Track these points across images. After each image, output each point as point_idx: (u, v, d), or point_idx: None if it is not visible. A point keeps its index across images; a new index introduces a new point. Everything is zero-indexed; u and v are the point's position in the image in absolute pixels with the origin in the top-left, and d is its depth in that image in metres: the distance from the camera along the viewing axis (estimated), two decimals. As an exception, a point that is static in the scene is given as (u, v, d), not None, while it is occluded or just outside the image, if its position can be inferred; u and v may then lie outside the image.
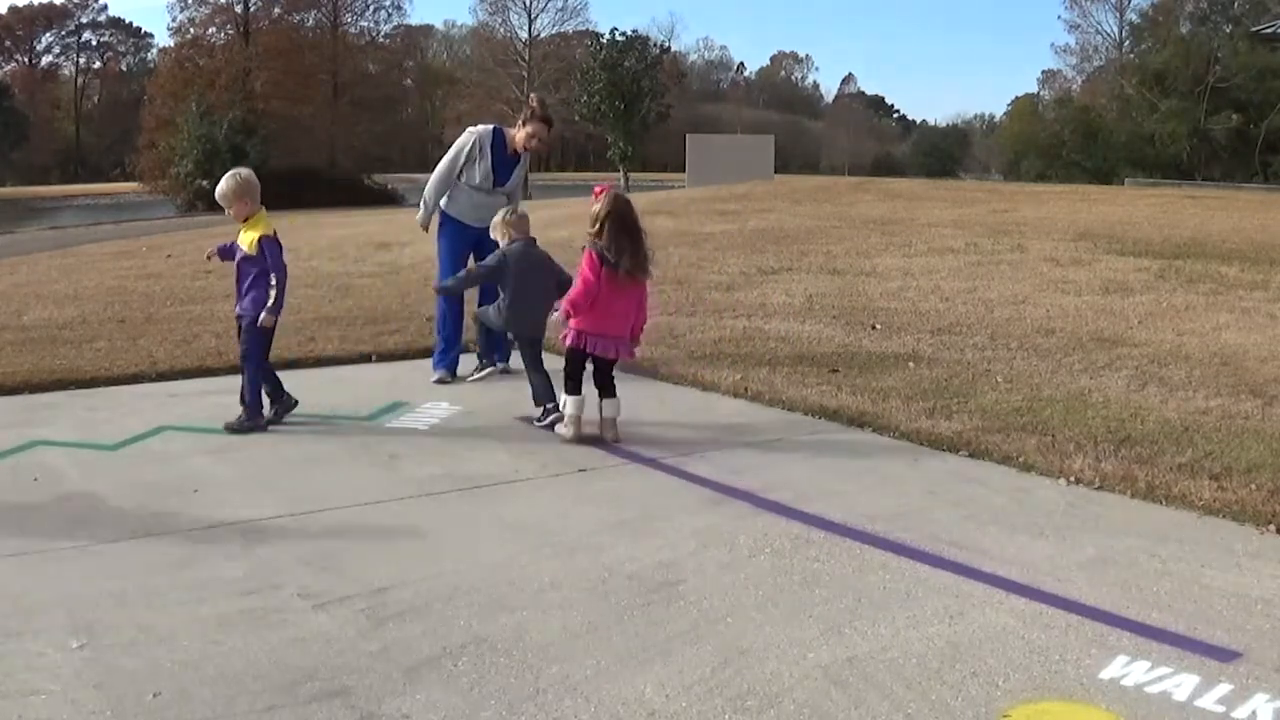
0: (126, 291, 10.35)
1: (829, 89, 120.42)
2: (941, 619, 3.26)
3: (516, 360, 6.94)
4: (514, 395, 6.19)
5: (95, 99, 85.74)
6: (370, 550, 3.83)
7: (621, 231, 5.18)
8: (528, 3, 63.99)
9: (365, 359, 7.24)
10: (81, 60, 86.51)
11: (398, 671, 2.94)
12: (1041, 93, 70.81)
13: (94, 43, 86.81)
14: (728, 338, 7.66)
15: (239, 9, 53.53)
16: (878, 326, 8.02)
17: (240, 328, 5.60)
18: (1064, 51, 65.78)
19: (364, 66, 60.44)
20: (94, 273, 12.54)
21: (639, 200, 23.14)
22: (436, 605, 3.36)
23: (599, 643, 3.11)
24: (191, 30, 53.91)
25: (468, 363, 6.81)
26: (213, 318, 8.55)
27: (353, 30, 59.36)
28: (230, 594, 3.44)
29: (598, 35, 57.31)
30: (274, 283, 5.40)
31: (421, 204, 6.71)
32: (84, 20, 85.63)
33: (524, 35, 64.45)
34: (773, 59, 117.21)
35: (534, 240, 5.80)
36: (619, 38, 54.73)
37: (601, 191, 5.35)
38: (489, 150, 6.66)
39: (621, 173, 54.44)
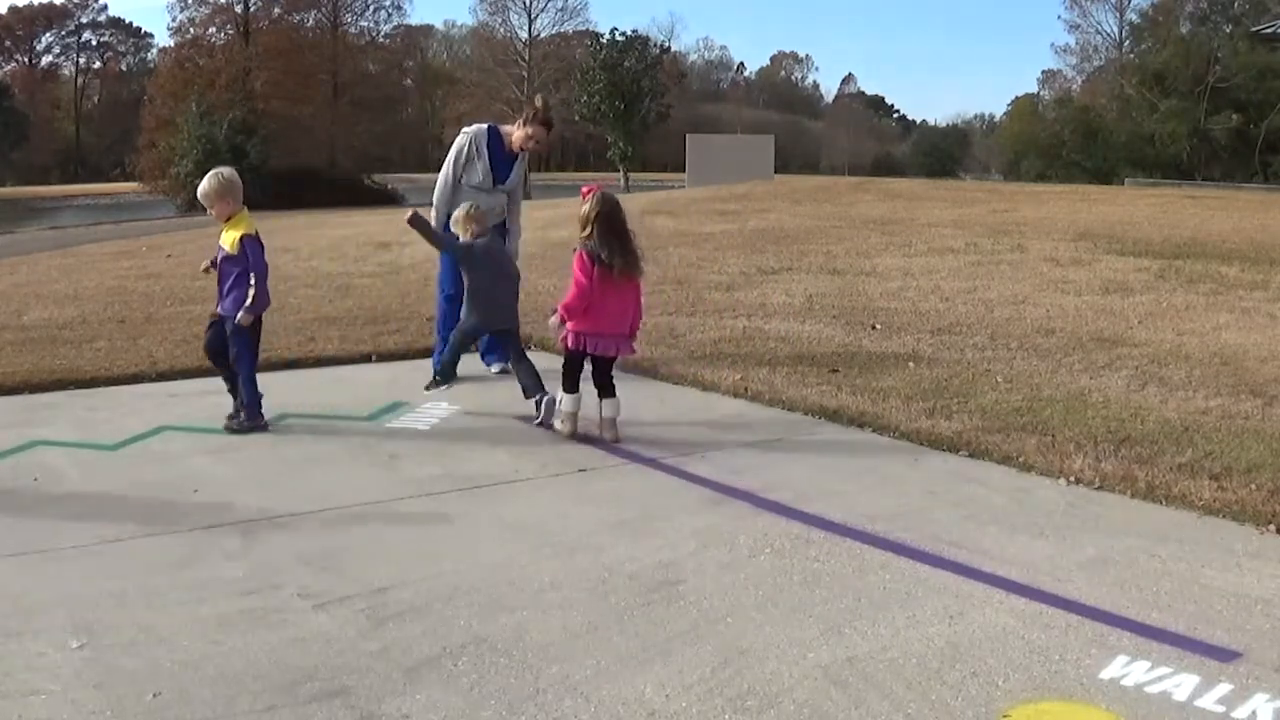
0: (126, 291, 10.34)
1: (829, 89, 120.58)
2: (941, 619, 3.26)
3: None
4: (514, 395, 6.18)
5: (95, 99, 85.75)
6: (370, 550, 3.83)
7: (610, 231, 5.19)
8: (528, 3, 64.01)
9: (365, 359, 7.24)
10: (81, 60, 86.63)
11: (398, 671, 2.94)
12: (1041, 93, 70.90)
13: (94, 43, 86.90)
14: (728, 338, 7.66)
15: (239, 9, 53.57)
16: (878, 326, 8.02)
17: (210, 325, 5.59)
18: (1064, 51, 65.85)
19: (364, 66, 60.48)
20: (94, 273, 12.54)
21: (639, 200, 23.08)
22: (436, 605, 3.36)
23: (599, 643, 3.11)
24: (191, 30, 53.99)
25: (468, 363, 6.80)
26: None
27: (353, 30, 59.46)
28: (230, 594, 3.44)
29: (598, 35, 57.42)
30: (253, 281, 5.36)
31: (433, 213, 6.66)
32: (84, 20, 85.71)
33: (524, 35, 64.48)
34: (773, 59, 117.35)
35: (494, 232, 6.02)
36: (619, 38, 54.80)
37: (589, 191, 5.34)
38: (485, 149, 6.66)
39: (621, 173, 54.49)
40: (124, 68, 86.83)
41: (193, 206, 42.88)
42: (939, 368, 6.61)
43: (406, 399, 6.06)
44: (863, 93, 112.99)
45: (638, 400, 5.89)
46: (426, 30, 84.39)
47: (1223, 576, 3.59)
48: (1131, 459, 4.73)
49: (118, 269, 12.90)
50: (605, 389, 5.32)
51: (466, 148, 6.67)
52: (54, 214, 47.70)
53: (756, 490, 4.48)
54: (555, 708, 2.76)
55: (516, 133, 6.68)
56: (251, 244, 5.41)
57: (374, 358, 7.27)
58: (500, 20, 66.26)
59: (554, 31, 66.49)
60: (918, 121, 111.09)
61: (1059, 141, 49.13)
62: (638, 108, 54.20)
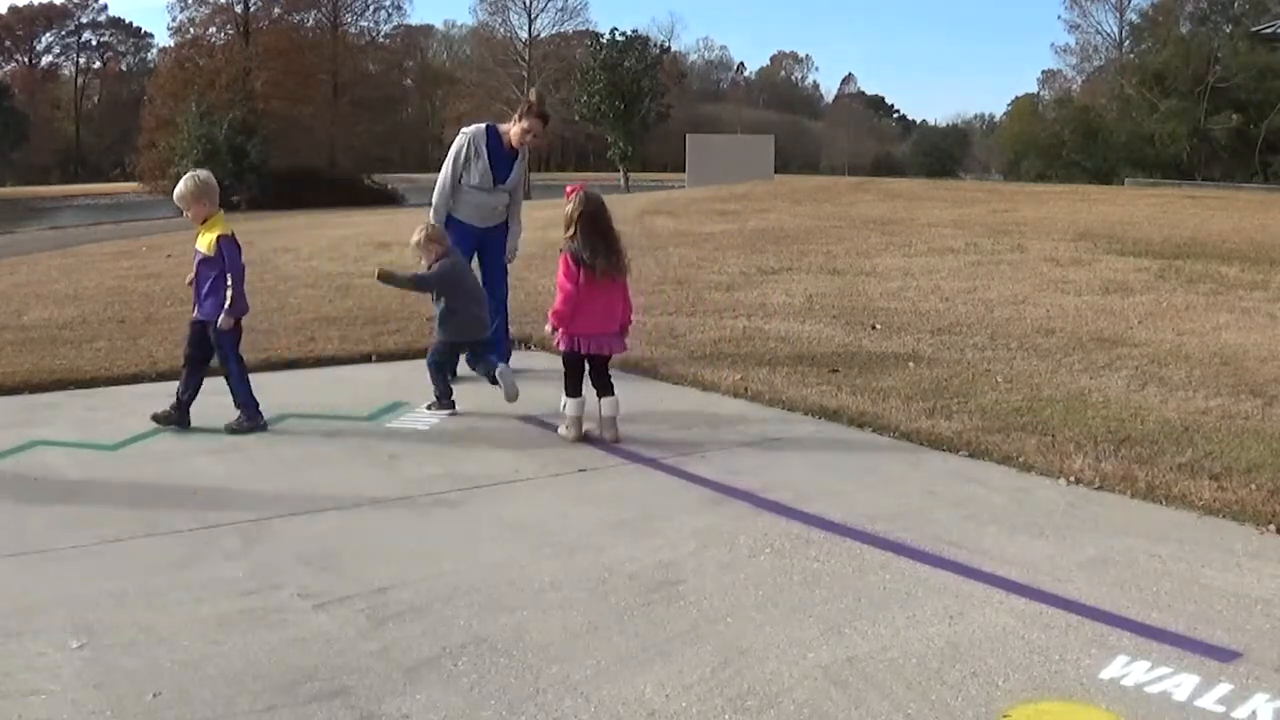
0: (126, 291, 10.34)
1: (829, 89, 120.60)
2: (941, 619, 3.26)
3: (515, 361, 6.95)
4: (514, 395, 6.19)
5: (95, 99, 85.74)
6: (370, 550, 3.83)
7: (594, 231, 5.18)
8: (528, 3, 63.98)
9: (365, 359, 7.24)
10: (81, 60, 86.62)
11: (398, 671, 2.94)
12: (1041, 93, 70.88)
13: (94, 43, 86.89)
14: (728, 338, 7.66)
15: (239, 9, 53.57)
16: (878, 326, 8.02)
17: (191, 332, 5.53)
18: (1064, 51, 65.83)
19: (364, 66, 60.47)
20: (94, 273, 12.54)
21: (639, 200, 23.08)
22: (436, 605, 3.36)
23: (599, 643, 3.11)
24: (191, 30, 53.99)
25: (467, 365, 6.80)
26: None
27: (353, 30, 59.46)
28: (230, 594, 3.44)
29: (598, 35, 57.46)
30: (229, 283, 5.32)
31: (432, 214, 6.66)
32: (84, 20, 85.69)
33: (524, 35, 64.45)
34: (773, 59, 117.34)
35: (456, 249, 6.13)
36: (619, 38, 54.85)
37: (573, 191, 5.33)
38: (484, 149, 6.65)
39: (621, 173, 54.51)
40: (124, 68, 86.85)
41: (192, 206, 43.04)
42: (939, 368, 6.61)
43: (406, 399, 6.06)
44: (863, 93, 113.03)
45: (638, 400, 5.89)
46: (426, 30, 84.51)
47: (1223, 576, 3.59)
48: (1131, 459, 4.73)
49: (118, 269, 12.90)
50: (603, 388, 5.32)
51: (465, 148, 6.66)
52: (54, 214, 47.70)
53: (756, 490, 4.48)
54: (555, 708, 2.76)
55: (513, 128, 6.68)
56: (228, 245, 5.36)
57: (374, 358, 7.27)
58: (500, 20, 66.27)
59: (554, 31, 66.50)
60: (918, 121, 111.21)
61: (1059, 141, 49.15)
62: (638, 108, 54.23)
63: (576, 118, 57.33)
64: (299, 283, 10.71)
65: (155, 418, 5.37)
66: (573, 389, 5.29)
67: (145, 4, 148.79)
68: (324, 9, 57.02)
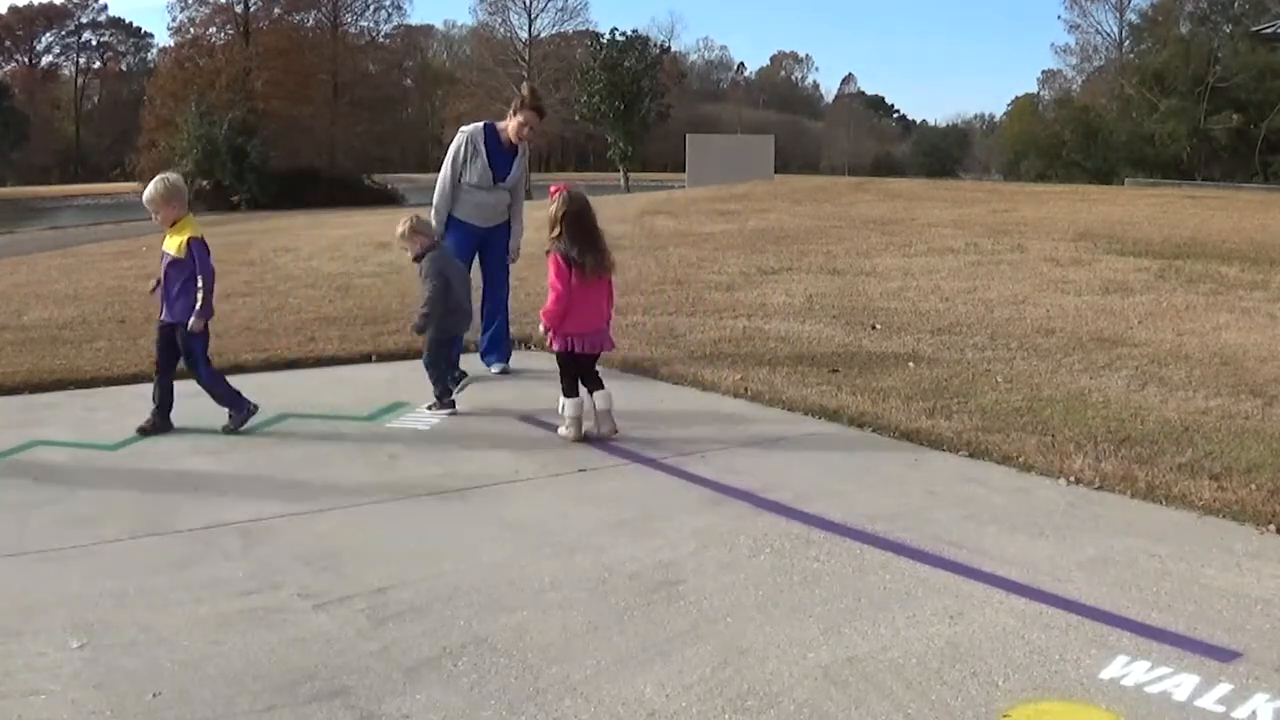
0: (126, 291, 10.34)
1: (829, 89, 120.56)
2: (941, 619, 3.26)
3: (515, 361, 6.96)
4: (514, 395, 6.19)
5: (95, 99, 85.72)
6: (370, 550, 3.83)
7: (579, 230, 5.21)
8: (528, 3, 63.99)
9: (365, 359, 7.24)
10: (81, 60, 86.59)
11: (398, 671, 2.94)
12: (1041, 93, 70.87)
13: (94, 43, 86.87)
14: (728, 338, 7.66)
15: (239, 9, 53.52)
16: (878, 326, 8.02)
17: (160, 335, 5.49)
18: (1064, 51, 65.75)
19: (364, 66, 60.40)
20: (94, 273, 12.54)
21: (639, 200, 23.07)
22: (436, 605, 3.36)
23: (599, 643, 3.11)
24: (191, 30, 53.91)
25: (468, 363, 6.80)
26: (212, 318, 8.53)
27: (353, 30, 59.36)
28: (230, 594, 3.44)
29: (598, 35, 57.45)
30: (201, 285, 5.30)
31: (433, 214, 6.66)
32: (84, 20, 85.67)
33: (524, 35, 64.47)
34: (773, 59, 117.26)
35: (443, 241, 6.22)
36: (619, 38, 54.84)
37: (556, 191, 5.36)
38: (482, 147, 6.65)
39: (621, 172, 54.51)
40: (124, 68, 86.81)
41: (192, 207, 43.03)
42: (939, 368, 6.61)
43: (406, 399, 6.06)
44: (863, 93, 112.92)
45: (638, 400, 5.90)
46: (426, 30, 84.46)
47: (1223, 576, 3.59)
48: (1131, 459, 4.73)
49: (118, 269, 12.90)
50: (594, 383, 5.34)
51: (464, 146, 6.66)
52: (54, 214, 47.69)
53: (756, 490, 4.48)
54: (555, 708, 2.76)
55: (510, 124, 6.68)
56: (199, 247, 5.33)
57: (374, 358, 7.27)
58: (500, 20, 66.29)
59: (554, 31, 66.51)
60: (918, 121, 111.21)
61: (1059, 141, 49.15)
62: (638, 108, 54.22)
63: (576, 118, 57.31)
64: (299, 283, 10.71)
65: (141, 430, 5.33)
66: (570, 389, 5.29)
67: (145, 4, 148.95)
68: (324, 9, 56.96)
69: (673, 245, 13.59)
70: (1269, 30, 30.29)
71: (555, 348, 5.32)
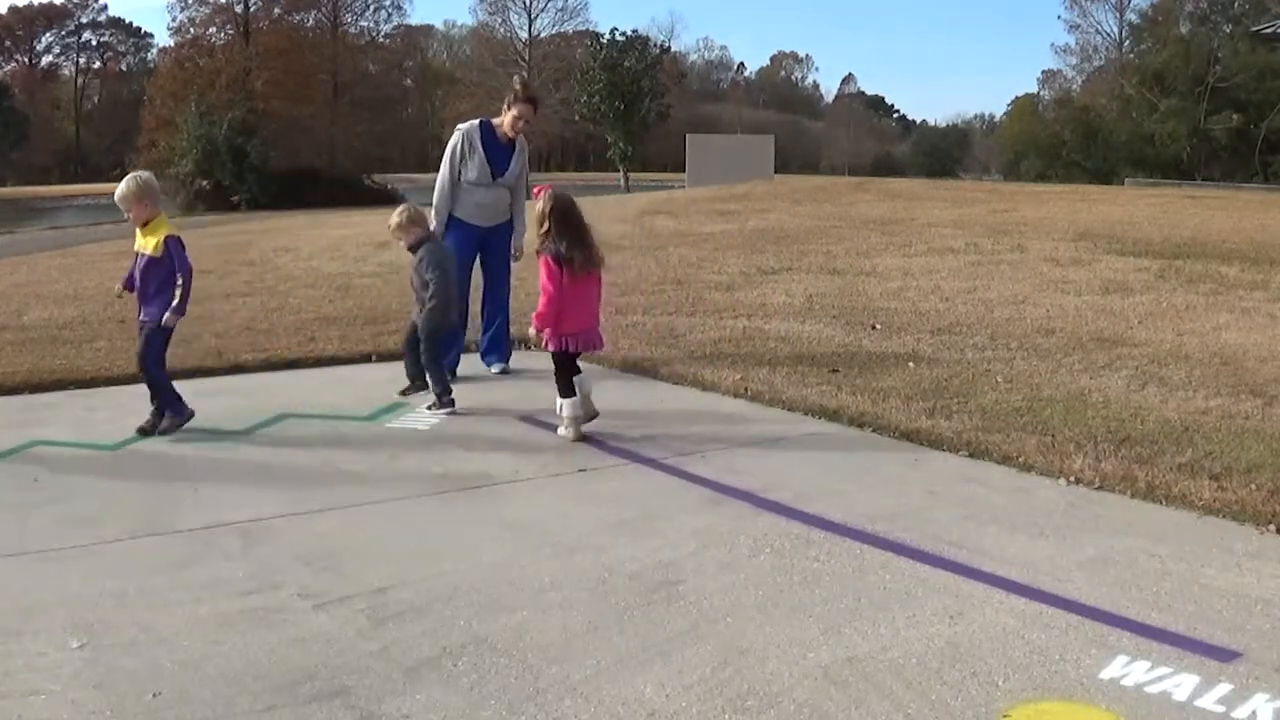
0: (126, 291, 10.33)
1: (829, 89, 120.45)
2: (941, 619, 3.26)
3: (515, 361, 6.96)
4: (514, 395, 6.19)
5: (95, 99, 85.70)
6: (370, 550, 3.83)
7: (567, 225, 5.23)
8: (528, 3, 64.10)
9: (365, 359, 7.24)
10: (81, 60, 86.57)
11: (398, 671, 2.94)
12: (1041, 93, 70.88)
13: (94, 43, 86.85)
14: (728, 338, 7.66)
15: (239, 9, 53.52)
16: (878, 326, 8.02)
17: (142, 334, 5.41)
18: (1064, 51, 65.80)
19: (364, 66, 60.41)
20: (94, 273, 12.54)
21: (639, 200, 23.07)
22: (436, 605, 3.36)
23: (599, 643, 3.11)
24: (191, 30, 53.91)
25: (468, 362, 6.81)
26: (212, 317, 8.55)
27: (353, 30, 59.39)
28: (230, 594, 3.44)
29: (598, 35, 57.50)
30: (179, 282, 5.24)
31: (433, 214, 6.66)
32: (84, 20, 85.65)
33: (524, 35, 64.59)
34: (773, 59, 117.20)
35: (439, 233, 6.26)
36: (619, 38, 54.85)
37: (540, 191, 5.40)
38: (479, 143, 6.64)
39: (621, 172, 54.52)
40: (124, 68, 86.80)
41: (192, 206, 43.03)
42: (939, 368, 6.61)
43: (406, 399, 6.05)
44: (863, 93, 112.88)
45: (638, 400, 5.90)
46: (426, 30, 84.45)
47: (1223, 576, 3.59)
48: (1131, 459, 4.73)
49: (118, 269, 12.84)
50: (576, 370, 5.39)
51: (461, 144, 6.66)
52: (54, 214, 47.67)
53: (756, 490, 4.48)
54: (555, 708, 2.76)
55: (505, 118, 6.68)
56: (176, 244, 5.27)
57: (374, 358, 7.27)
58: (500, 20, 66.41)
59: (554, 31, 66.62)
60: (918, 121, 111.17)
61: (1059, 141, 49.15)
62: (638, 108, 54.23)
63: (576, 118, 57.36)
64: (299, 283, 10.71)
65: (141, 430, 5.31)
66: (567, 389, 5.30)
67: (145, 4, 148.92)
68: (324, 9, 56.96)
69: (673, 245, 13.59)
70: (1269, 30, 30.30)
71: (551, 348, 5.33)
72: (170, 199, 45.30)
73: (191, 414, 5.36)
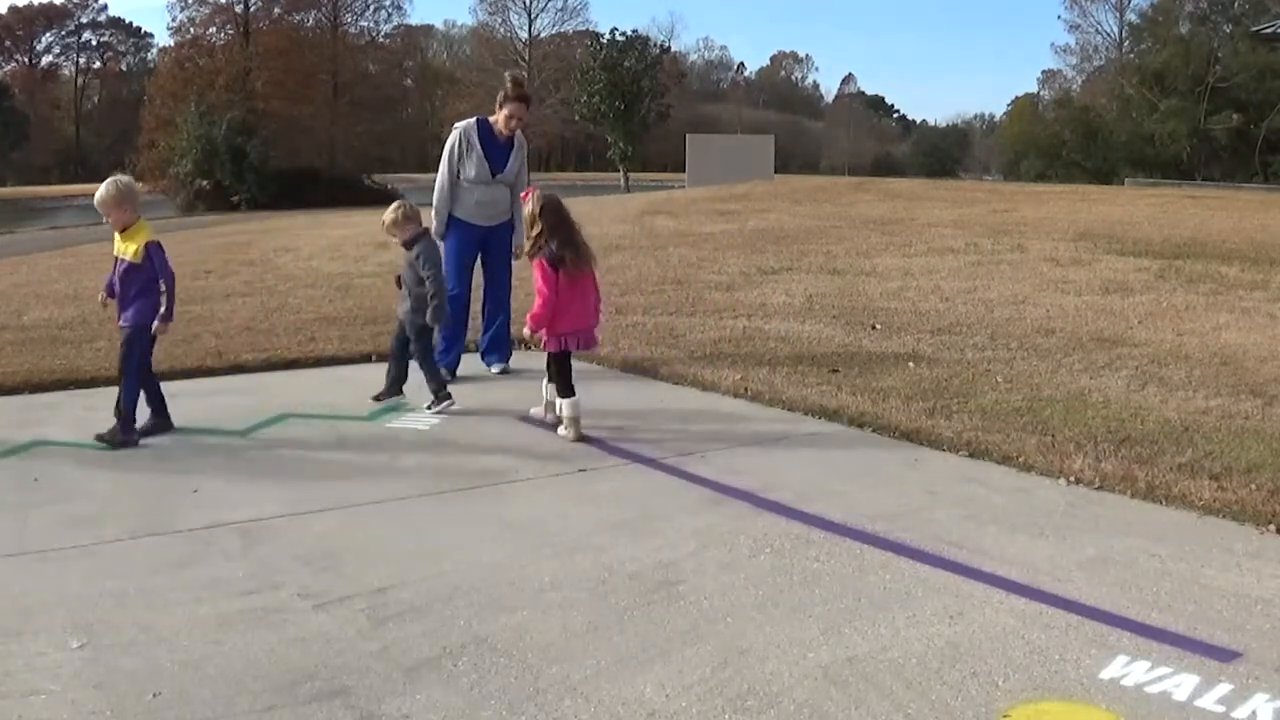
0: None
1: (829, 89, 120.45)
2: (941, 619, 3.26)
3: (515, 361, 6.96)
4: (514, 395, 6.19)
5: (95, 99, 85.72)
6: (370, 550, 3.83)
7: (558, 225, 5.27)
8: (528, 3, 64.09)
9: (365, 359, 7.24)
10: (81, 60, 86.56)
11: (398, 671, 2.94)
12: (1041, 93, 70.93)
13: (94, 43, 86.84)
14: (728, 338, 7.66)
15: (239, 9, 53.48)
16: (878, 326, 8.02)
17: (123, 340, 5.32)
18: (1064, 51, 65.76)
19: (364, 66, 60.36)
20: (94, 273, 12.52)
21: (639, 200, 23.08)
22: (436, 605, 3.36)
23: (599, 643, 3.11)
24: (191, 30, 53.86)
25: (468, 362, 6.81)
26: (213, 317, 8.55)
27: (353, 30, 59.32)
28: (230, 594, 3.44)
29: (598, 35, 57.52)
30: (164, 289, 5.19)
31: (433, 215, 6.66)
32: (84, 20, 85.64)
33: (524, 35, 64.58)
34: (773, 59, 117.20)
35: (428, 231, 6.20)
36: (619, 38, 54.89)
37: (527, 195, 5.44)
38: (476, 141, 6.65)
39: (621, 172, 54.53)
40: (124, 68, 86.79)
41: (192, 206, 43.04)
42: (939, 368, 6.61)
43: (406, 399, 6.05)
44: (863, 93, 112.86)
45: (638, 400, 5.90)
46: (426, 30, 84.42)
47: (1223, 576, 3.59)
48: (1131, 459, 4.73)
49: (118, 269, 12.89)
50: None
51: (458, 143, 6.67)
52: (54, 214, 47.61)
53: (756, 490, 4.48)
54: (555, 708, 2.76)
55: (498, 116, 6.68)
56: (156, 251, 5.22)
57: (374, 358, 7.26)
58: (500, 20, 66.41)
59: (554, 31, 66.61)
60: (918, 121, 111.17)
61: (1059, 141, 49.17)
62: (638, 108, 54.25)
63: (576, 118, 57.35)
64: (299, 283, 10.71)
65: (142, 430, 5.29)
66: (567, 389, 5.30)
67: (145, 4, 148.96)
68: (324, 9, 56.92)
69: (673, 245, 13.59)
70: (1269, 30, 30.29)
71: (549, 349, 5.34)
72: (170, 199, 45.41)
73: (137, 441, 5.16)
